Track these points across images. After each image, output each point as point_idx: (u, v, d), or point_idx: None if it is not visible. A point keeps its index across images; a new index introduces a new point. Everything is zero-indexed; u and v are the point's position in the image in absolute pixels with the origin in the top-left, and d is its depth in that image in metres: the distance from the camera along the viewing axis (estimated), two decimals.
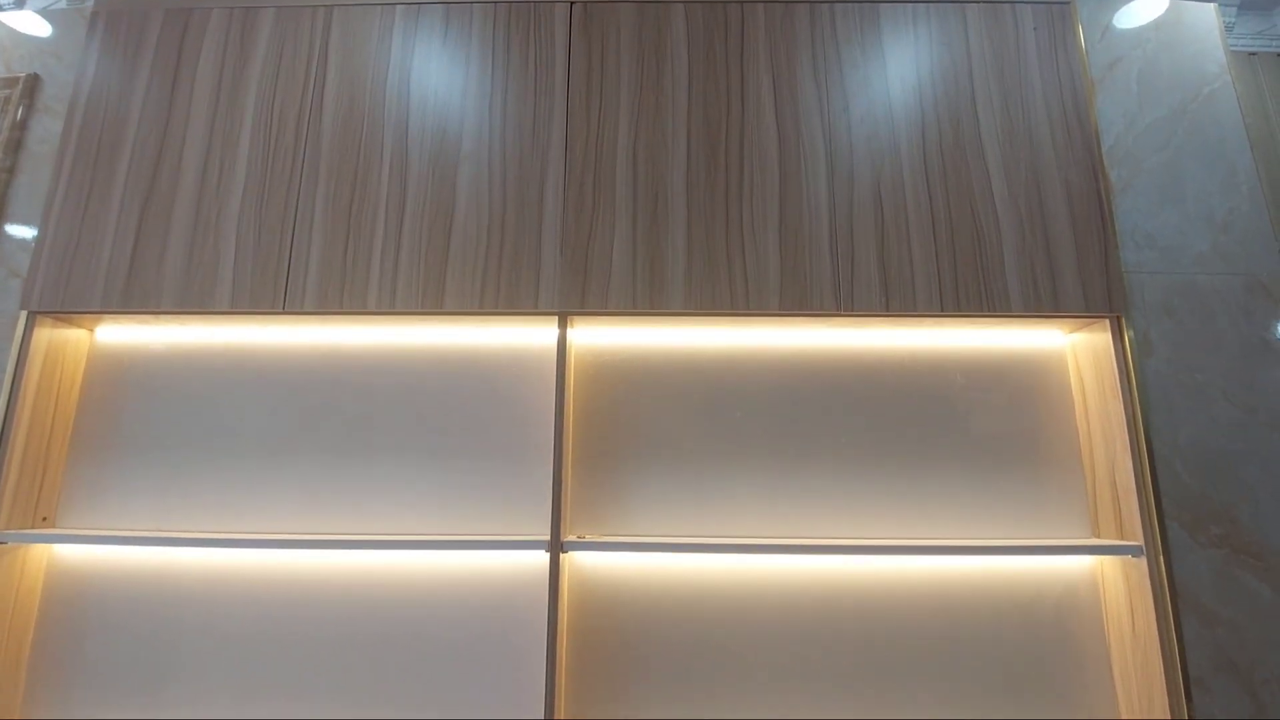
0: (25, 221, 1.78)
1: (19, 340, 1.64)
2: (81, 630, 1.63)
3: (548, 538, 1.52)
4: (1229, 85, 1.78)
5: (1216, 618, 1.47)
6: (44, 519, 1.67)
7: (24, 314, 1.65)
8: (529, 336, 1.76)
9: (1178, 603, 1.47)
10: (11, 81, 1.86)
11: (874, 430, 1.70)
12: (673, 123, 1.71)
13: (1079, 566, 1.61)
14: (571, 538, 1.57)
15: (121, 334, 1.80)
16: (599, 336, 1.77)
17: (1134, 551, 1.49)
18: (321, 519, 1.68)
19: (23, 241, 1.76)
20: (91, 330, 1.80)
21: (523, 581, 1.62)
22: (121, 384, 1.77)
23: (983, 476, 1.66)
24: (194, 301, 1.63)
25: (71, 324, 1.74)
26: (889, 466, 1.68)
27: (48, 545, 1.67)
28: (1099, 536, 1.61)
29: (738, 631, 1.60)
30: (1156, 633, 1.44)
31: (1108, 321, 1.60)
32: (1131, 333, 1.59)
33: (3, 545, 1.57)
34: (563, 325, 1.63)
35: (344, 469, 1.70)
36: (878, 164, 1.68)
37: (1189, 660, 1.44)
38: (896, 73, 1.74)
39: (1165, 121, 1.76)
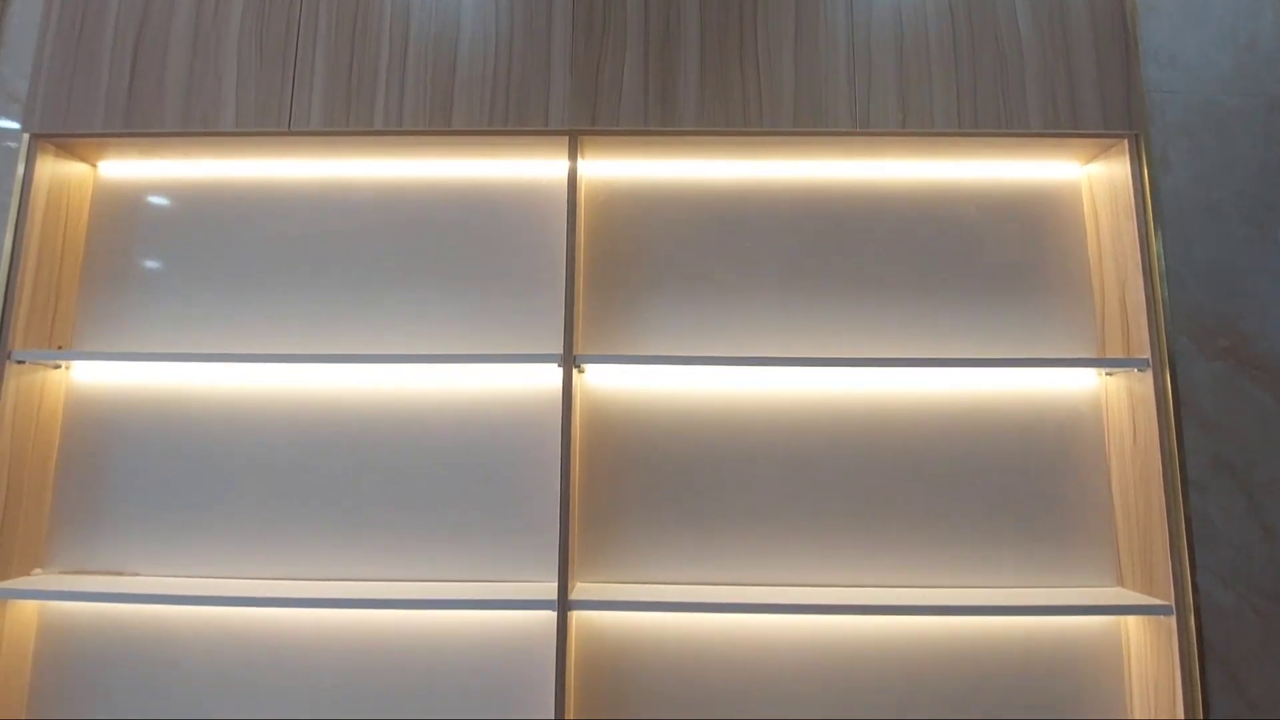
0: (21, 47, 1.73)
1: (23, 163, 1.62)
2: (102, 453, 1.66)
3: (560, 353, 1.54)
4: None
5: (1217, 425, 1.50)
6: (59, 348, 1.69)
7: (26, 137, 1.63)
8: (539, 169, 1.74)
9: (1180, 412, 1.49)
10: None
11: (885, 259, 1.69)
12: None
13: (1083, 387, 1.64)
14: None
15: (126, 169, 1.77)
16: (610, 169, 1.74)
17: (1140, 365, 1.50)
18: (333, 344, 1.69)
19: (20, 68, 1.72)
20: (95, 165, 1.77)
21: (536, 401, 1.65)
22: (128, 218, 1.75)
23: (992, 302, 1.67)
24: (197, 122, 1.60)
25: (75, 156, 1.71)
26: (898, 293, 1.68)
27: (66, 373, 1.69)
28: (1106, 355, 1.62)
29: (745, 449, 1.63)
30: (1158, 441, 1.46)
31: (1125, 144, 1.58)
32: (1149, 151, 1.57)
33: (21, 364, 1.58)
34: (573, 150, 1.61)
35: (355, 299, 1.71)
36: None
37: (1188, 464, 1.48)
38: None
39: None
